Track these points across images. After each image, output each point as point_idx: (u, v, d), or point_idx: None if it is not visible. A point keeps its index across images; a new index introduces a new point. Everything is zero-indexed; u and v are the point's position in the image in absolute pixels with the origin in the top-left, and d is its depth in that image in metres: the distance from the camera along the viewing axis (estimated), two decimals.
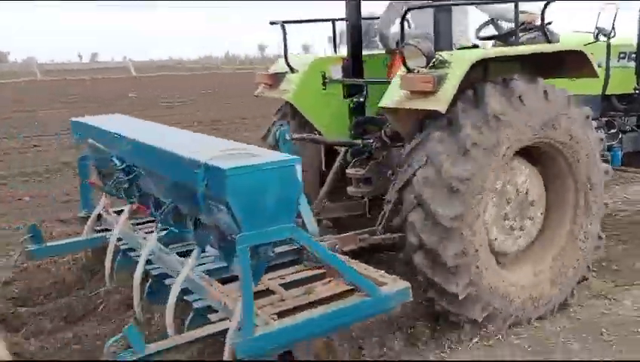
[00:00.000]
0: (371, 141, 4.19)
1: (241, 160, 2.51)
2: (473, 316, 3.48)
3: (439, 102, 3.23)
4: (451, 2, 3.98)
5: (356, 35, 4.59)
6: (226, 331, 2.66)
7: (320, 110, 4.51)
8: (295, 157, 2.58)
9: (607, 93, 5.01)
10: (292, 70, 4.51)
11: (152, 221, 3.84)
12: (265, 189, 2.45)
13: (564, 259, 3.88)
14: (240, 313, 2.53)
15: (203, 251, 3.09)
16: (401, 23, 3.70)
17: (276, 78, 4.58)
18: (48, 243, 4.09)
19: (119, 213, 4.22)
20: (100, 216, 4.29)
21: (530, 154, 3.77)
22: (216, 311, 2.93)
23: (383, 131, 4.14)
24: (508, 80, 3.47)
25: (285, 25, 4.41)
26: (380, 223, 3.72)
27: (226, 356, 2.52)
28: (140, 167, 3.27)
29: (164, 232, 3.40)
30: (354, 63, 4.60)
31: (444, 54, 3.43)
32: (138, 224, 4.13)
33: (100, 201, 4.29)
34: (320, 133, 4.49)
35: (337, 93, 4.60)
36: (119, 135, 3.43)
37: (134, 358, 2.49)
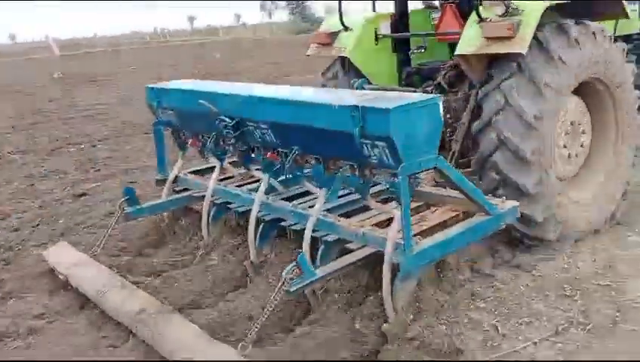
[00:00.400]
0: (430, 89, 4.57)
1: (393, 101, 2.85)
2: (548, 237, 3.98)
3: (520, 46, 3.62)
4: None
5: None
6: (367, 256, 3.19)
7: (374, 64, 4.91)
8: (437, 95, 2.96)
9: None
10: (346, 28, 4.84)
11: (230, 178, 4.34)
12: (418, 124, 2.83)
13: (609, 180, 4.46)
14: (394, 237, 2.95)
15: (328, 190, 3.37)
16: None
17: (331, 37, 4.88)
18: (143, 205, 4.35)
19: (194, 173, 4.59)
20: (176, 177, 4.56)
21: (577, 88, 4.25)
22: (349, 242, 3.34)
23: (441, 78, 4.53)
24: (563, 24, 3.88)
25: None
26: (450, 161, 4.14)
27: (388, 274, 2.93)
28: (256, 122, 3.54)
29: (277, 179, 3.79)
30: (400, 19, 5.00)
31: (518, 3, 3.80)
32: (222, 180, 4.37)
33: (175, 164, 4.57)
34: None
35: (388, 47, 5.02)
36: (229, 94, 3.75)
37: (307, 281, 2.90)
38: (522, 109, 3.70)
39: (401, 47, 5.03)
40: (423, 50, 5.04)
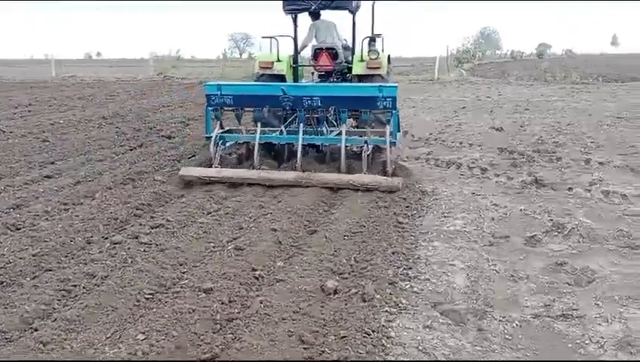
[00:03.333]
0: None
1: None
2: None
3: (382, 70, 7.75)
4: None
5: (294, 45, 8.42)
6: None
7: (290, 77, 8.26)
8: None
9: None
10: (279, 60, 8.08)
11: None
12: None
13: None
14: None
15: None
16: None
17: (270, 64, 8.07)
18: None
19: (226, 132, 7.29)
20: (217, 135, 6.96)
21: None
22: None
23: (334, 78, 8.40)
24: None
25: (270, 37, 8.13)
26: None
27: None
28: (311, 97, 6.75)
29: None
30: (296, 58, 8.49)
31: (378, 51, 7.80)
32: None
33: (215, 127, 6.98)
34: None
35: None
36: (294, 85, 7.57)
37: None
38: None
39: (296, 70, 8.52)
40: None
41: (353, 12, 7.95)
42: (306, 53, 8.67)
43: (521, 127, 10.99)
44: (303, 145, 6.73)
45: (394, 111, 6.52)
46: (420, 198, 5.87)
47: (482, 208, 5.50)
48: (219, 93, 6.83)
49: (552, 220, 5.04)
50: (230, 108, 7.05)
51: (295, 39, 8.32)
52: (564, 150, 8.37)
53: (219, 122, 6.98)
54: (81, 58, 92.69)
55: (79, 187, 6.20)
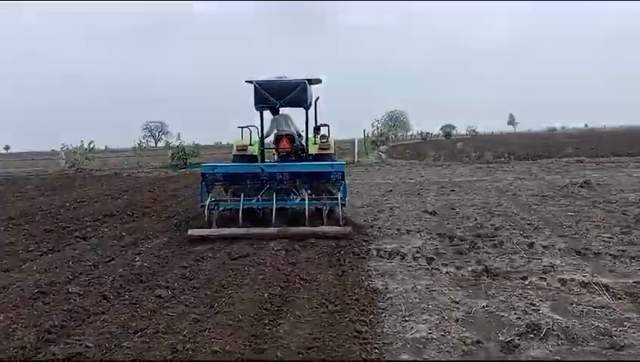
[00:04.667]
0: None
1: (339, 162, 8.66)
2: None
3: (331, 150, 10.14)
4: None
5: (262, 133, 10.60)
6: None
7: (260, 157, 10.45)
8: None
9: None
10: (251, 143, 10.31)
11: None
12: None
13: None
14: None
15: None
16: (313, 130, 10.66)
17: (246, 147, 10.29)
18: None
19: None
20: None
21: None
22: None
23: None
24: None
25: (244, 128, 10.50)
26: None
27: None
28: (282, 173, 9.04)
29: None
30: (262, 141, 10.66)
31: (327, 136, 10.27)
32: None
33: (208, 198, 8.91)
34: None
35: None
36: (271, 164, 9.78)
37: None
38: None
39: (262, 152, 10.65)
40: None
41: (306, 108, 10.28)
42: (268, 139, 10.94)
43: (452, 209, 10.92)
44: (275, 209, 8.75)
45: (343, 182, 8.87)
46: (373, 298, 5.36)
47: (442, 307, 5.05)
48: (212, 171, 8.96)
49: (520, 318, 4.66)
50: (219, 183, 9.33)
51: (262, 128, 10.53)
52: (503, 233, 8.22)
53: (210, 193, 8.99)
54: None
55: None
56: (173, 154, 29.57)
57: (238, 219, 8.58)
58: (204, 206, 8.70)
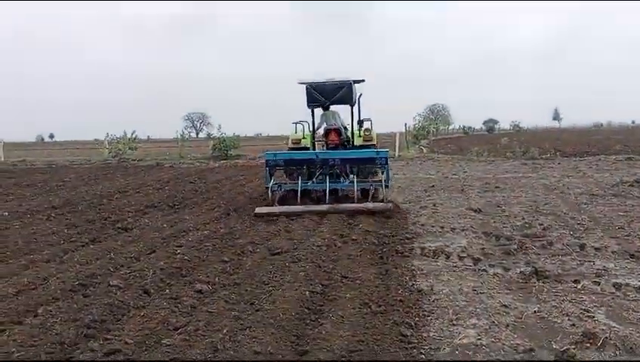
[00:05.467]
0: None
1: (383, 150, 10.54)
2: None
3: (374, 141, 11.45)
4: None
5: (313, 127, 12.04)
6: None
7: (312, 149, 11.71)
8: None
9: None
10: (304, 137, 11.63)
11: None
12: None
13: None
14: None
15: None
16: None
17: (299, 140, 11.57)
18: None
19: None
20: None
21: None
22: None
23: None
24: None
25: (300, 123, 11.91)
26: None
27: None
28: (334, 158, 10.50)
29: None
30: (313, 135, 12.04)
31: (370, 129, 11.67)
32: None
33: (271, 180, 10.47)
34: None
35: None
36: (324, 151, 11.32)
37: None
38: None
39: (314, 144, 12.00)
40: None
41: (352, 105, 11.76)
42: (318, 132, 12.29)
43: (498, 207, 10.59)
44: (328, 190, 10.25)
45: (386, 166, 10.21)
46: (417, 299, 5.17)
47: (491, 311, 4.83)
48: (274, 158, 10.56)
49: (574, 325, 4.41)
50: (281, 168, 10.94)
51: (313, 123, 11.99)
52: (553, 233, 7.90)
53: (272, 177, 10.47)
54: (32, 141, 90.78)
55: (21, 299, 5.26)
56: (214, 145, 29.78)
57: (297, 199, 10.18)
58: (268, 187, 10.30)
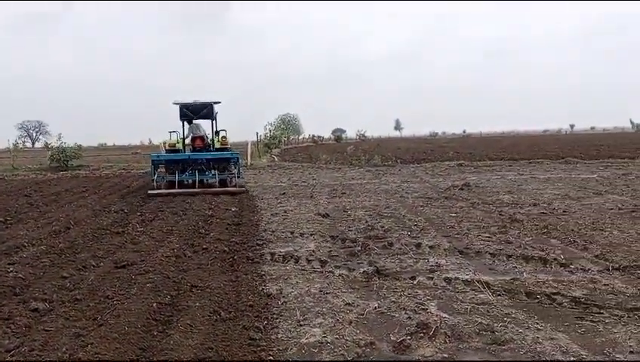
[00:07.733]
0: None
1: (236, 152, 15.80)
2: None
3: (228, 145, 16.26)
4: None
5: (183, 135, 16.63)
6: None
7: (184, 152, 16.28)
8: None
9: None
10: (178, 142, 16.22)
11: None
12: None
13: None
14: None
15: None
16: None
17: (174, 145, 16.12)
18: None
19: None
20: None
21: None
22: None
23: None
24: None
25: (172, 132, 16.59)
26: None
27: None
28: (202, 158, 15.44)
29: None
30: (184, 141, 16.63)
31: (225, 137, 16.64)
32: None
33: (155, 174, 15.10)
34: None
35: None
36: (194, 154, 15.83)
37: None
38: None
39: (184, 148, 16.42)
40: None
41: (212, 120, 16.76)
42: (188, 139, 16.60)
43: (344, 211, 11.11)
44: (197, 180, 14.96)
45: (238, 163, 15.41)
46: (267, 303, 5.28)
47: (336, 310, 5.07)
48: (158, 158, 15.39)
49: (410, 318, 4.79)
50: (162, 165, 15.54)
51: (183, 132, 16.46)
52: (393, 235, 8.47)
53: (157, 172, 15.09)
54: None
55: None
56: (52, 155, 27.73)
57: (174, 186, 14.63)
58: (154, 179, 14.83)
